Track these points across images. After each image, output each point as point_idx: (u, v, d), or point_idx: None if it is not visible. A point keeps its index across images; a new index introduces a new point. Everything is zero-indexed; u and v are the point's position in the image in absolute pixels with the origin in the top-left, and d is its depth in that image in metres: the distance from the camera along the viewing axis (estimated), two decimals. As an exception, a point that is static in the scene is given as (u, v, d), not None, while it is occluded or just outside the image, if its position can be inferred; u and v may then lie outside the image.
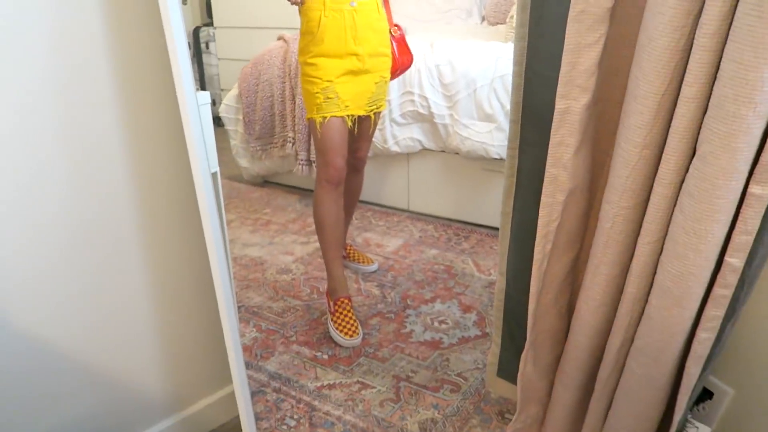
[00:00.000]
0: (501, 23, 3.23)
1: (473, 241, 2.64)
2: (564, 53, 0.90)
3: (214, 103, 4.28)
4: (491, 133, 2.44)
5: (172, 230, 1.36)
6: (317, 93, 1.78)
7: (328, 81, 1.76)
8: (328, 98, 1.78)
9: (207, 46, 4.19)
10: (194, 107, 1.32)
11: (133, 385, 1.40)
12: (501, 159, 2.48)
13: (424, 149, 2.72)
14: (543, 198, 1.03)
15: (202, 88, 4.29)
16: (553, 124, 0.96)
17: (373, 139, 2.67)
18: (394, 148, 2.72)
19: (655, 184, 0.90)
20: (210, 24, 4.19)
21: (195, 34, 4.20)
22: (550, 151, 0.98)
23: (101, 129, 1.19)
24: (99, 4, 1.12)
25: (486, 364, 1.75)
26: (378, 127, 2.66)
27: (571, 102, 0.93)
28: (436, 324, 2.04)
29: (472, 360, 1.84)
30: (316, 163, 1.89)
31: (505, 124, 2.42)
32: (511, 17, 2.59)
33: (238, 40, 3.98)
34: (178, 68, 1.22)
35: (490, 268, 2.42)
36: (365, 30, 1.76)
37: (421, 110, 2.57)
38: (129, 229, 1.28)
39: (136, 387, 1.41)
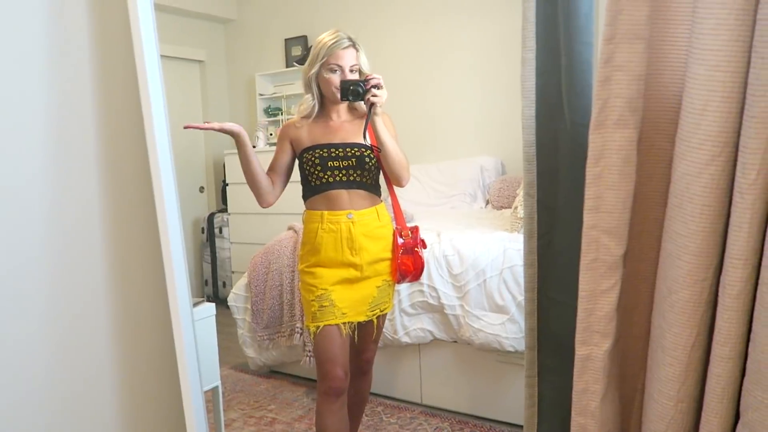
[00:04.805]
0: (505, 207, 3.31)
1: (494, 441, 2.43)
2: (579, 300, 0.87)
3: (224, 285, 4.29)
4: (504, 325, 2.36)
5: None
6: (312, 301, 1.74)
7: (323, 289, 1.73)
8: (323, 306, 1.73)
9: (220, 231, 4.32)
10: (190, 333, 1.27)
11: None
12: (516, 351, 2.37)
13: (436, 339, 2.62)
14: (572, 449, 0.93)
15: (214, 270, 4.33)
16: (575, 370, 0.89)
17: (383, 330, 2.58)
18: (405, 339, 2.62)
19: (698, 445, 0.80)
20: (224, 210, 4.36)
21: (209, 220, 4.35)
22: (574, 399, 0.90)
23: (97, 359, 1.14)
24: (101, 249, 1.13)
25: None
26: (387, 317, 2.59)
27: (593, 348, 0.87)
28: None
29: None
30: (316, 374, 1.79)
31: (518, 316, 2.35)
32: (516, 208, 2.65)
33: (250, 225, 4.10)
34: (176, 302, 1.19)
35: (514, 475, 2.18)
36: (364, 240, 1.76)
37: (431, 301, 2.53)
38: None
39: None
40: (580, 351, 0.88)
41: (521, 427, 1.26)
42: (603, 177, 0.82)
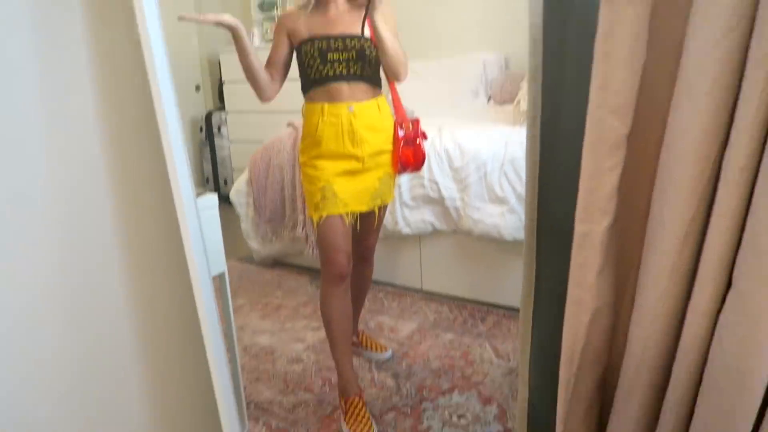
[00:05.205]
0: (508, 102, 3.27)
1: (490, 323, 2.57)
2: (581, 179, 0.88)
3: (225, 183, 4.32)
4: (503, 216, 2.42)
5: (172, 340, 1.32)
6: (315, 192, 1.77)
7: (326, 180, 1.76)
8: (325, 197, 1.77)
9: (219, 130, 4.28)
10: (194, 218, 1.29)
11: None
12: (515, 241, 2.44)
13: (436, 230, 2.69)
14: (567, 319, 0.98)
15: (214, 169, 4.34)
16: (574, 245, 0.92)
17: (384, 221, 2.65)
18: (406, 230, 2.69)
19: (689, 313, 0.85)
20: (222, 108, 4.29)
21: (207, 119, 4.30)
22: (572, 272, 0.95)
23: (101, 239, 1.16)
24: (96, 121, 1.12)
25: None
26: (389, 210, 2.64)
27: (593, 226, 0.90)
28: (454, 419, 1.95)
29: (495, 465, 1.74)
30: (320, 260, 1.86)
31: (518, 207, 2.39)
32: (518, 102, 2.62)
33: (249, 123, 4.06)
34: (177, 181, 1.19)
35: (509, 352, 2.33)
36: (365, 132, 1.76)
37: (431, 194, 2.56)
38: (128, 347, 1.23)
39: None
40: (579, 228, 0.91)
41: (517, 310, 1.33)
42: (612, 54, 0.81)
